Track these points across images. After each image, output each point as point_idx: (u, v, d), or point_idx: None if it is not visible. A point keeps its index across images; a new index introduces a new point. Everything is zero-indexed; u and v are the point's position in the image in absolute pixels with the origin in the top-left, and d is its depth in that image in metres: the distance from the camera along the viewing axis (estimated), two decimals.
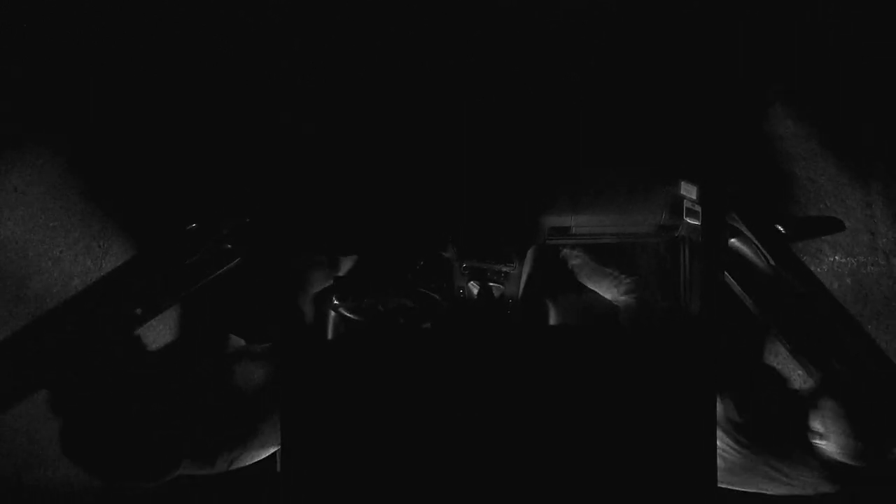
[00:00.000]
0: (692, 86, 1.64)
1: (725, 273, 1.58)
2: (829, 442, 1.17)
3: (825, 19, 1.54)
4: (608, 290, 1.65)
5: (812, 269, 1.64)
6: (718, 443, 1.20)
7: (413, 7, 1.58)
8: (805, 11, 1.54)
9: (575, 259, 1.73)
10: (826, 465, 1.18)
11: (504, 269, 1.55)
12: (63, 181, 1.43)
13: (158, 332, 1.61)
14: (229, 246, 1.51)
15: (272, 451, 1.26)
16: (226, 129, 1.58)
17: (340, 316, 1.51)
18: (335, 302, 1.50)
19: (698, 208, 1.41)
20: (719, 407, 1.22)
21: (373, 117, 1.61)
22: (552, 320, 1.64)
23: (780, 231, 1.55)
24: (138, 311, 1.43)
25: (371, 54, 1.61)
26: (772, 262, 1.56)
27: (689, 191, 1.43)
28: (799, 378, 1.74)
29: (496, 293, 1.57)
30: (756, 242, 1.55)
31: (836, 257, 1.60)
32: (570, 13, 1.61)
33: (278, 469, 1.25)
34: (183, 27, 1.52)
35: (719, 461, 1.19)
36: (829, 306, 1.59)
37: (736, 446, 1.21)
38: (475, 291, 1.57)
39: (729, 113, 1.65)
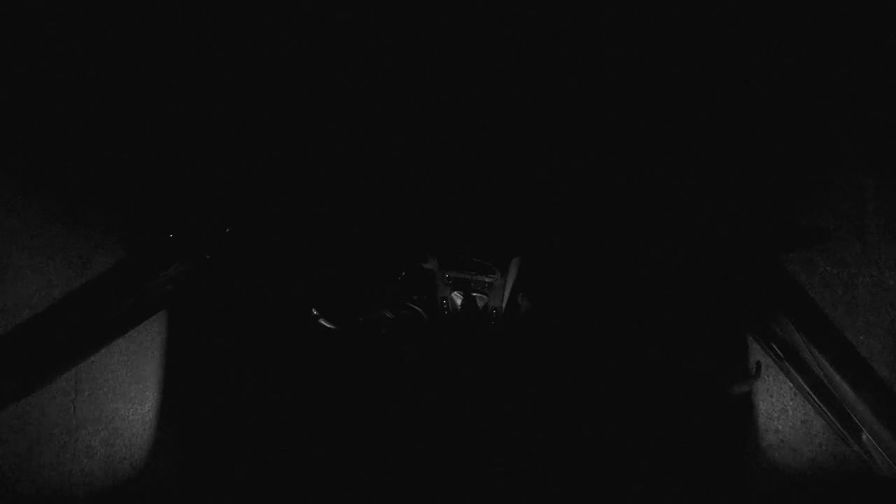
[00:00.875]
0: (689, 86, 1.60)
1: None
2: None
3: (825, 19, 1.49)
4: None
5: (803, 279, 1.61)
6: None
7: (413, 7, 1.54)
8: (805, 12, 1.49)
9: None
10: None
11: (487, 279, 1.53)
12: (45, 191, 1.42)
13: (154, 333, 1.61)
14: (208, 257, 1.50)
15: None
16: (210, 137, 1.56)
17: (321, 326, 1.50)
18: (315, 312, 1.49)
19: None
20: None
21: (358, 125, 1.58)
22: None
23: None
24: (119, 319, 1.44)
25: (368, 56, 1.58)
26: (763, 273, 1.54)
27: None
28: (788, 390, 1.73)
29: (480, 303, 1.55)
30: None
31: (828, 268, 1.57)
32: (570, 13, 1.57)
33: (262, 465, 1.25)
34: (182, 27, 1.50)
35: None
36: (819, 317, 1.57)
37: None
38: (458, 302, 1.55)
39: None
